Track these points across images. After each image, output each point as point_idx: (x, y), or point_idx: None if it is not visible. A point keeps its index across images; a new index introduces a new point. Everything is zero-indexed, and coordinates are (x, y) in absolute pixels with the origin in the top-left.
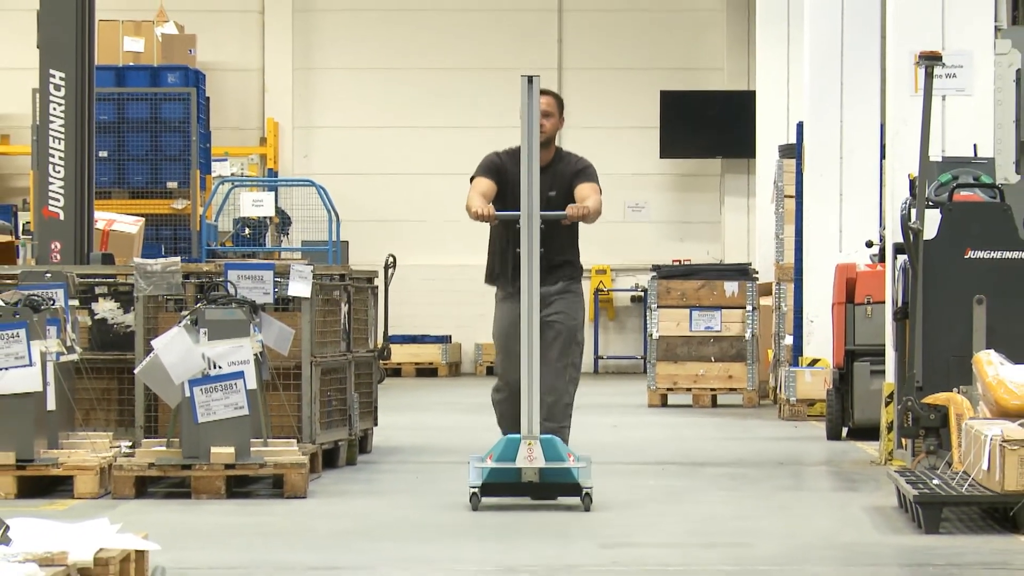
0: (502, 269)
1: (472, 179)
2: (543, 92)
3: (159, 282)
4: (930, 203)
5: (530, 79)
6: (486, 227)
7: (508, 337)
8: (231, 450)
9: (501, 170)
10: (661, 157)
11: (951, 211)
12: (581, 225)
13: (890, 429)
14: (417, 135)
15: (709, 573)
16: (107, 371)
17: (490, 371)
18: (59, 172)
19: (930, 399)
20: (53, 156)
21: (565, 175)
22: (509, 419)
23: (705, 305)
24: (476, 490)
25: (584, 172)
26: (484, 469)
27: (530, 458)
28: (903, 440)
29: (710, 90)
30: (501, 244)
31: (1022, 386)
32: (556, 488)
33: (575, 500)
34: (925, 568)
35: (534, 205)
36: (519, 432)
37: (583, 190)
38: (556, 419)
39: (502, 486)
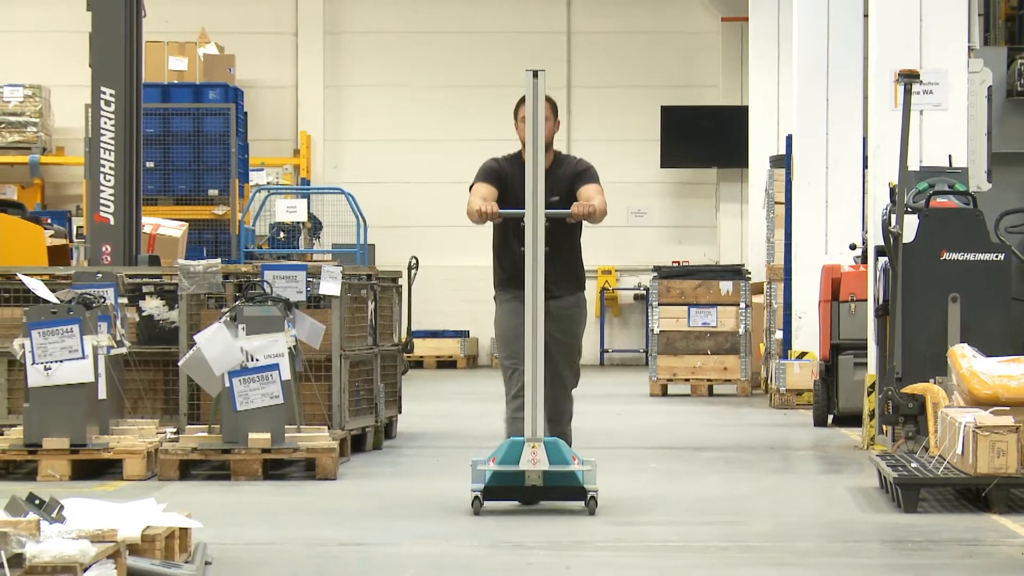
0: (505, 271)
1: (471, 187)
2: None
3: (201, 282)
4: (909, 209)
5: (535, 73)
6: None
7: (519, 341)
8: (267, 436)
9: (501, 175)
10: (662, 167)
11: (928, 216)
12: (588, 229)
13: (872, 416)
14: (438, 147)
15: (706, 548)
16: (153, 363)
17: None
18: (109, 181)
19: (909, 389)
20: (104, 166)
21: (565, 178)
22: None
23: (702, 303)
24: (478, 494)
25: (586, 173)
26: (487, 472)
27: (534, 461)
28: (884, 427)
29: (706, 105)
30: (504, 246)
31: (993, 377)
32: (560, 491)
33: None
34: (904, 544)
35: (539, 201)
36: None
37: (586, 191)
38: (561, 424)
39: (505, 489)
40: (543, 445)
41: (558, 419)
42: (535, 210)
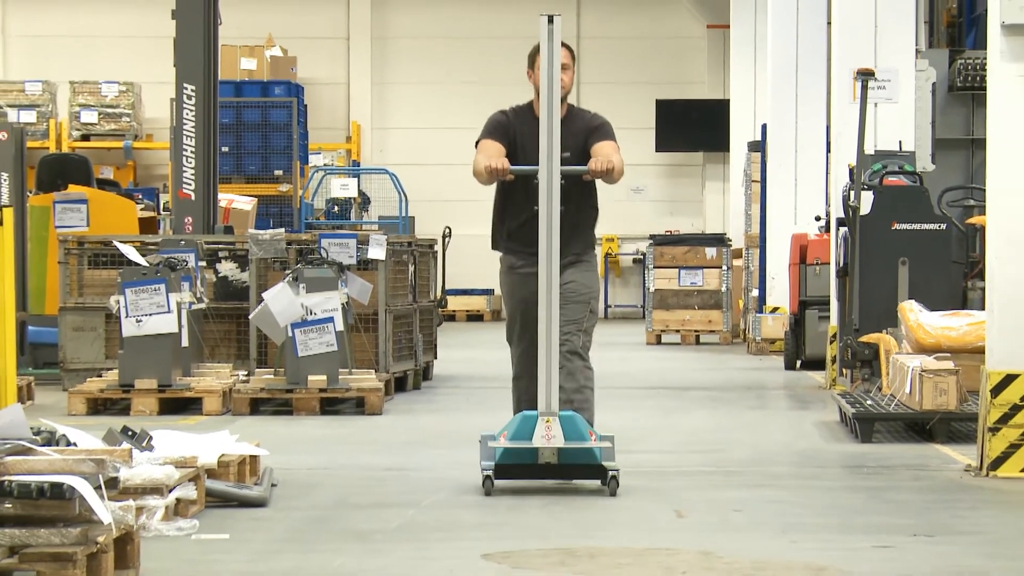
0: (514, 231)
1: (477, 142)
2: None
3: (268, 248)
4: (865, 186)
5: (550, 18)
6: None
7: (524, 316)
8: (324, 378)
9: (509, 130)
10: (656, 151)
11: (881, 193)
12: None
13: (834, 361)
14: (467, 134)
15: (693, 473)
16: (228, 317)
17: None
18: (191, 163)
19: (865, 338)
20: (186, 150)
21: (579, 134)
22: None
23: (690, 265)
24: (489, 473)
25: (600, 129)
26: (497, 449)
27: (548, 437)
28: (844, 370)
29: (694, 99)
30: (512, 204)
31: (937, 328)
32: (577, 470)
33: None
34: (861, 469)
35: (554, 159)
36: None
37: (603, 148)
38: (576, 380)
39: (517, 468)
40: (558, 420)
41: (563, 384)
42: (551, 169)
